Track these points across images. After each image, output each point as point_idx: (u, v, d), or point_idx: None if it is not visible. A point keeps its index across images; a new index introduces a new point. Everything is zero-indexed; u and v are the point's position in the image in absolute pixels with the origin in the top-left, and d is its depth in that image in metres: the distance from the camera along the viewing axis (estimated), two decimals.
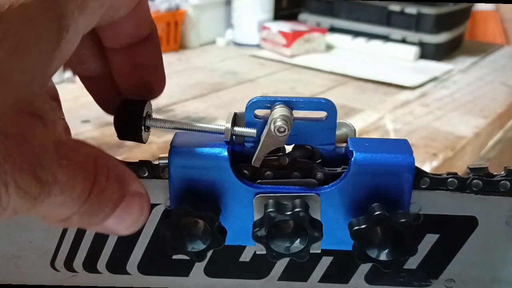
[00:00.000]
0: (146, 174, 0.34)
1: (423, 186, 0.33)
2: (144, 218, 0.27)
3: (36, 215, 0.22)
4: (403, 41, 1.55)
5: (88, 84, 0.34)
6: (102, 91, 0.33)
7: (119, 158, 0.34)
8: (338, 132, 0.34)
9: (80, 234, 0.36)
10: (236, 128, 0.32)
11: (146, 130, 0.32)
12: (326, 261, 0.37)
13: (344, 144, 0.34)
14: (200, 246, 0.32)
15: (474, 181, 0.33)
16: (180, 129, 0.32)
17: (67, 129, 0.31)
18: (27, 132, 0.20)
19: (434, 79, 1.36)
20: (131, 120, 0.31)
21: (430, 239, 0.35)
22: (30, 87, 0.21)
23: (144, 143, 0.32)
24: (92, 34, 0.30)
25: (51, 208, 0.22)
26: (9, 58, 0.19)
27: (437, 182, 0.33)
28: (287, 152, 0.34)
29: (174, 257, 0.35)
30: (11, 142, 0.20)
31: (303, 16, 1.74)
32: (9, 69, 0.20)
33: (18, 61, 0.20)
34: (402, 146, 0.33)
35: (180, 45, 1.56)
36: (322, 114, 0.33)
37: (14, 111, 0.20)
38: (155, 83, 0.33)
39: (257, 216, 0.32)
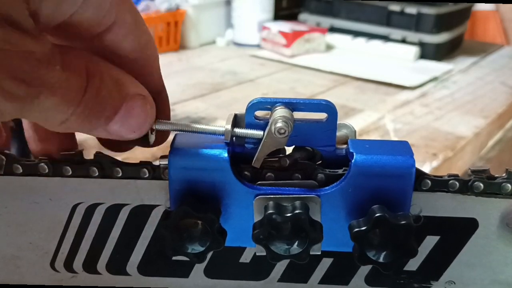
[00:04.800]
0: (147, 175, 0.34)
1: (424, 188, 0.33)
2: (150, 121, 0.29)
3: (32, 119, 0.24)
4: (403, 41, 1.55)
5: None
6: None
7: (118, 158, 0.34)
8: (338, 134, 0.34)
9: (80, 234, 0.36)
10: (241, 130, 0.32)
11: (152, 133, 0.32)
12: (326, 262, 0.37)
13: (345, 146, 0.34)
14: (200, 247, 0.32)
15: (475, 183, 0.33)
16: (183, 131, 0.32)
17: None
18: (12, 40, 0.21)
19: (434, 79, 1.36)
20: None
21: (430, 241, 0.35)
22: (16, 7, 0.22)
23: (151, 146, 0.32)
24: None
25: (45, 111, 0.23)
26: None
27: (438, 184, 0.33)
28: (287, 153, 0.34)
29: (174, 258, 0.35)
30: None
31: (303, 16, 1.74)
32: None
33: None
34: (403, 147, 0.33)
35: (180, 45, 1.55)
36: (322, 115, 0.33)
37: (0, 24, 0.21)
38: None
39: (257, 218, 0.32)
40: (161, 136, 0.33)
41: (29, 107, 0.23)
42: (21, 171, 0.34)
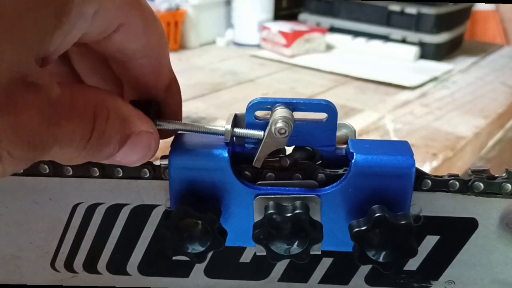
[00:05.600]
0: (147, 175, 0.34)
1: (424, 188, 0.33)
2: (152, 153, 0.29)
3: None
4: (403, 41, 1.55)
5: None
6: None
7: None
8: (338, 134, 0.34)
9: (80, 234, 0.36)
10: (241, 130, 0.32)
11: None
12: (326, 262, 0.37)
13: (345, 146, 0.34)
14: (200, 247, 0.32)
15: (475, 183, 0.33)
16: (184, 130, 0.32)
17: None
18: (19, 103, 0.21)
19: (434, 79, 1.36)
20: None
21: (430, 241, 0.35)
22: (24, 62, 0.22)
23: None
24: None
25: (52, 157, 0.24)
26: (4, 36, 0.21)
27: (438, 183, 0.33)
28: (287, 153, 0.34)
29: (174, 258, 0.35)
30: (3, 117, 0.21)
31: (303, 16, 1.74)
32: (3, 47, 0.21)
33: (12, 39, 0.21)
34: (403, 147, 0.33)
35: (180, 45, 1.55)
36: (322, 115, 0.33)
37: (7, 84, 0.21)
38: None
39: (257, 218, 0.32)
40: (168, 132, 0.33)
41: (39, 159, 0.23)
42: (21, 171, 0.34)
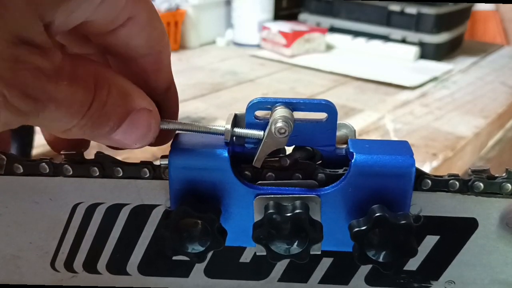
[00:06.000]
0: (147, 175, 0.34)
1: (424, 188, 0.33)
2: (153, 133, 0.29)
3: (35, 125, 0.25)
4: (403, 41, 1.55)
5: None
6: None
7: (119, 158, 0.34)
8: (338, 133, 0.34)
9: (80, 234, 0.36)
10: (241, 130, 0.32)
11: None
12: (326, 262, 0.37)
13: (345, 146, 0.34)
14: (200, 247, 0.32)
15: (475, 183, 0.33)
16: (184, 130, 0.32)
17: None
18: (20, 56, 0.22)
19: (434, 79, 1.36)
20: None
21: (430, 241, 0.35)
22: (31, 25, 0.22)
23: (151, 145, 0.32)
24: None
25: (49, 121, 0.24)
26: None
27: (438, 183, 0.33)
28: (287, 153, 0.34)
29: (174, 258, 0.35)
30: (2, 63, 0.21)
31: (303, 16, 1.74)
32: (15, 9, 0.21)
33: (24, 4, 0.22)
34: (403, 147, 0.33)
35: (180, 45, 1.55)
36: (322, 115, 0.33)
37: (10, 39, 0.22)
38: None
39: (257, 217, 0.32)
40: (164, 137, 0.33)
41: (34, 119, 0.24)
42: (21, 171, 0.34)
